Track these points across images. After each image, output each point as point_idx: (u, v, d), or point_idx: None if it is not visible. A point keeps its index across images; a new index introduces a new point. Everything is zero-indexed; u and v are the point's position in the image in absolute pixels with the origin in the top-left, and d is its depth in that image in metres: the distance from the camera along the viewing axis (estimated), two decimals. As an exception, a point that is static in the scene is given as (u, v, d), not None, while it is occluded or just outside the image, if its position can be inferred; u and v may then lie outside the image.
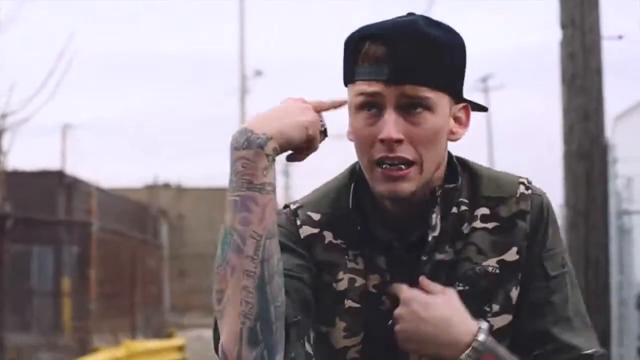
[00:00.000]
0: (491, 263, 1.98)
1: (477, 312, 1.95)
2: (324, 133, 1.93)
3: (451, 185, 1.97)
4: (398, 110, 1.89)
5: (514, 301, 1.98)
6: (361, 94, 1.90)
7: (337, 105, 1.96)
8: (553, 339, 1.94)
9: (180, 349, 17.75)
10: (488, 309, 1.97)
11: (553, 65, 8.20)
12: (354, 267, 1.99)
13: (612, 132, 18.62)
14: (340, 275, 1.99)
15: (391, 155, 1.88)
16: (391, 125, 1.87)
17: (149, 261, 20.06)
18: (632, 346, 7.83)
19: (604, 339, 7.47)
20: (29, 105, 13.29)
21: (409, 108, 1.89)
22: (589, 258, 7.63)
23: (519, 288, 1.98)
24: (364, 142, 1.92)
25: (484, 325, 1.91)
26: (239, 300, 1.77)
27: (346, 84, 1.96)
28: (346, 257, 2.00)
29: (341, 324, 1.98)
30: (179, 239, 32.98)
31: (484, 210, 1.99)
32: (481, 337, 1.88)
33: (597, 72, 7.86)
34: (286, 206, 2.06)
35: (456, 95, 1.96)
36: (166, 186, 39.49)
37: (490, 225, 1.99)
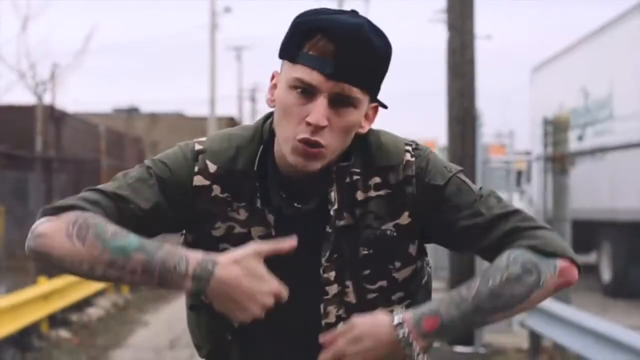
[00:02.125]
0: (389, 227, 2.04)
1: (383, 271, 2.05)
2: None
3: (345, 164, 2.03)
4: (329, 101, 1.94)
5: (414, 254, 2.07)
6: (299, 79, 1.94)
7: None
8: (517, 229, 2.00)
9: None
10: (392, 267, 2.06)
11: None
12: (235, 216, 2.04)
13: (531, 80, 20.67)
14: (218, 224, 2.05)
15: (312, 139, 1.94)
16: (321, 112, 1.93)
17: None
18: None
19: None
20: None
21: (339, 102, 1.95)
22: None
23: (416, 243, 2.07)
24: (291, 118, 1.96)
25: (396, 318, 1.91)
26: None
27: (285, 59, 1.98)
28: (229, 208, 2.04)
29: None
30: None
31: (377, 179, 2.03)
32: (401, 331, 1.90)
33: (471, 63, 10.27)
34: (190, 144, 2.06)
35: (375, 96, 2.02)
36: (134, 110, 38.61)
37: (382, 192, 2.03)
